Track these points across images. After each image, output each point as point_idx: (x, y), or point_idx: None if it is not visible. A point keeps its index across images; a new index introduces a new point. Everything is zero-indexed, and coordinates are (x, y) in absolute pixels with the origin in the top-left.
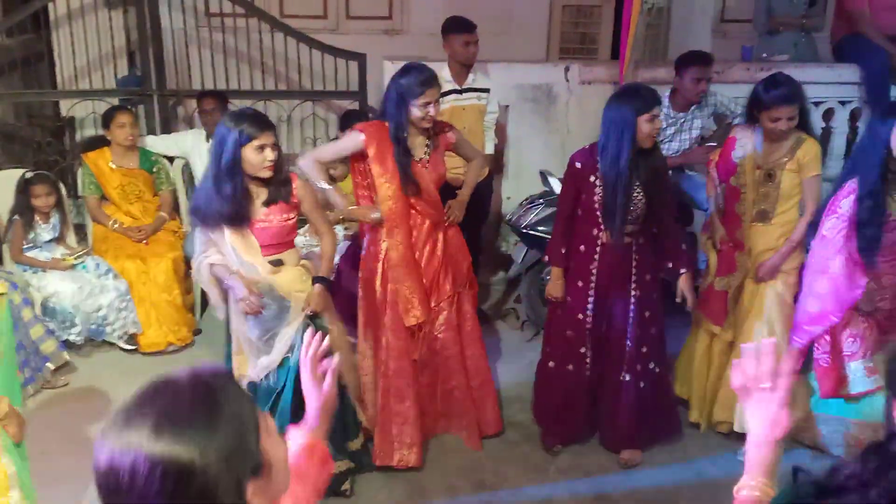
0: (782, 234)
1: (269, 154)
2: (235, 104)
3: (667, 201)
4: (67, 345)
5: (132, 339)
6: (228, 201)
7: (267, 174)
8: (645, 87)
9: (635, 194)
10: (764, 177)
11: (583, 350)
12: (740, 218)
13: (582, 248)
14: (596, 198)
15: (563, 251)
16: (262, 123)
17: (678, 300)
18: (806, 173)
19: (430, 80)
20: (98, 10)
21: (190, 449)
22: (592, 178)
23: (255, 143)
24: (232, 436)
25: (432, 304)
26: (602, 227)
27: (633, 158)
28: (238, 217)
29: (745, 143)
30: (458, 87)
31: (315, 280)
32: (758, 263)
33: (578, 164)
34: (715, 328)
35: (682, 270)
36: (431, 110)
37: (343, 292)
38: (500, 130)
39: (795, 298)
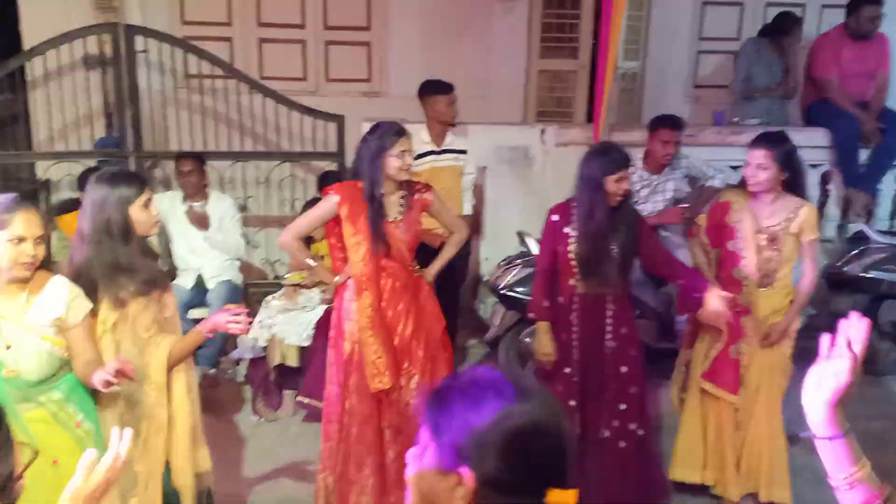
0: (784, 297)
1: (154, 210)
2: (213, 165)
3: (657, 249)
4: None
5: None
6: (145, 265)
7: (156, 231)
8: (615, 148)
9: (610, 248)
10: (768, 242)
11: (572, 403)
12: (741, 283)
13: (561, 299)
14: (570, 248)
15: (547, 304)
16: (139, 178)
17: (712, 307)
18: (805, 237)
19: (402, 130)
20: (76, 71)
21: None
22: (566, 230)
23: (142, 199)
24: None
25: (403, 370)
26: (577, 276)
27: (606, 214)
28: (165, 276)
29: (741, 208)
30: (435, 149)
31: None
32: (767, 326)
33: (555, 217)
34: (732, 398)
35: (701, 293)
36: (408, 158)
37: (319, 356)
38: (478, 191)
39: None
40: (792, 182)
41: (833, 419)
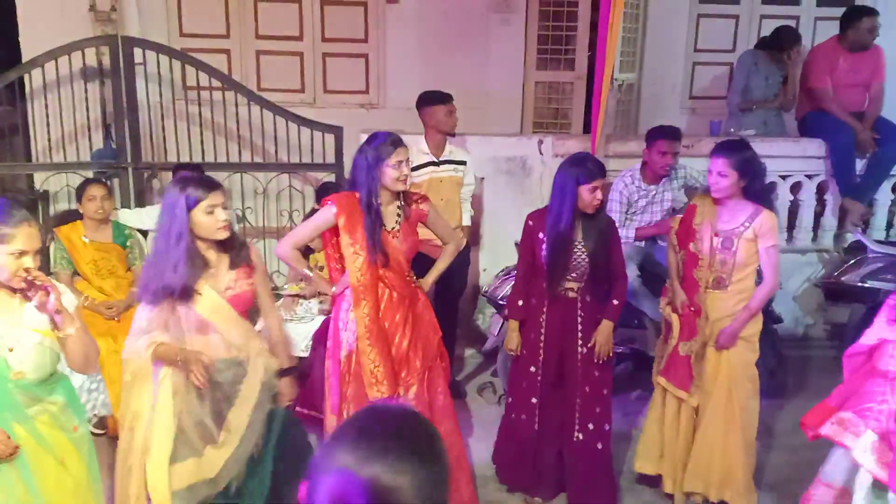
0: (739, 301)
1: (221, 214)
2: (211, 177)
3: (615, 259)
4: None
5: (102, 422)
6: (180, 272)
7: (223, 235)
8: (592, 159)
9: (579, 253)
10: (721, 244)
11: (534, 400)
12: (699, 283)
13: (534, 300)
14: (543, 253)
15: (521, 304)
16: (208, 184)
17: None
18: (762, 243)
19: (399, 140)
20: (74, 83)
21: (408, 478)
22: (541, 235)
23: (204, 204)
24: (438, 474)
25: (400, 380)
26: (548, 279)
27: (573, 221)
28: (187, 289)
29: (704, 211)
30: (435, 160)
31: (282, 373)
32: (717, 330)
33: (531, 223)
34: (682, 393)
35: (603, 318)
36: (405, 169)
37: (317, 366)
38: (476, 202)
39: (756, 364)
40: (750, 188)
41: None
